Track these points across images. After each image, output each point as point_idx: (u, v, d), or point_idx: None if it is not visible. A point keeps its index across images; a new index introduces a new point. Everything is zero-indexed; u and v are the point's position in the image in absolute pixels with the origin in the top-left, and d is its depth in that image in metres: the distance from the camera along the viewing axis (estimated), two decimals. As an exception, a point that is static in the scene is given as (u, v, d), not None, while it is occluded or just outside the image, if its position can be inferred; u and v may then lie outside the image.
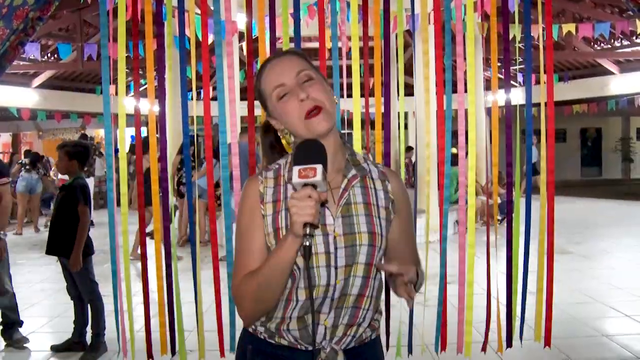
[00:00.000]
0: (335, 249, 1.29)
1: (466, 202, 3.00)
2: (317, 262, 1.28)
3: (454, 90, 3.06)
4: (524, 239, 3.08)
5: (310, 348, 1.32)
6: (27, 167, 9.74)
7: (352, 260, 1.30)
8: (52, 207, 3.93)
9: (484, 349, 3.19)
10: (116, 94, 3.07)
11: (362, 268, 1.31)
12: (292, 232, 1.19)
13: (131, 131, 14.43)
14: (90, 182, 8.89)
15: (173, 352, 3.10)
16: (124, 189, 3.08)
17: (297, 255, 1.23)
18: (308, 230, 1.16)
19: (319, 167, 1.17)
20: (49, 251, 3.75)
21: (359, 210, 1.33)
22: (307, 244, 1.17)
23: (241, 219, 1.37)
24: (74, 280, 3.74)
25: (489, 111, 3.44)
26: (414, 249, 1.47)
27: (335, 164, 1.36)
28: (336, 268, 1.29)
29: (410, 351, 3.16)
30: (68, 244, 3.62)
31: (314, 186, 1.17)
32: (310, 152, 1.23)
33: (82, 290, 3.72)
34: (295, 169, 1.19)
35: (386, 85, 3.01)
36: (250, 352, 1.39)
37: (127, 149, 11.44)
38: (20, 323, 4.01)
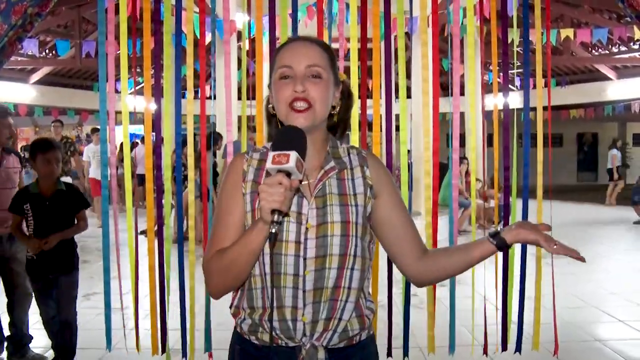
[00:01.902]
0: (306, 239, 1.28)
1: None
2: (287, 250, 1.28)
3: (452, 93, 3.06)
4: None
5: (290, 344, 1.30)
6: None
7: (324, 251, 1.28)
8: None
9: (485, 351, 3.19)
10: (116, 91, 3.07)
11: (337, 259, 1.29)
12: (261, 218, 1.18)
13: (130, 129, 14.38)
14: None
15: (164, 351, 3.11)
16: (127, 186, 3.07)
17: (266, 242, 1.22)
18: (276, 217, 1.14)
19: (292, 154, 1.15)
20: (43, 273, 3.24)
21: (333, 200, 1.31)
22: (273, 231, 1.14)
23: (222, 194, 1.38)
24: (59, 300, 3.31)
25: (488, 115, 3.43)
26: (410, 220, 1.43)
27: (317, 159, 1.36)
28: (305, 259, 1.28)
29: (405, 353, 3.16)
30: (66, 257, 3.28)
31: (288, 174, 1.15)
32: (288, 138, 1.21)
33: (67, 306, 3.30)
34: (270, 154, 1.17)
35: (387, 88, 3.01)
36: (237, 352, 1.39)
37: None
38: (30, 338, 3.68)
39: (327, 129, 1.43)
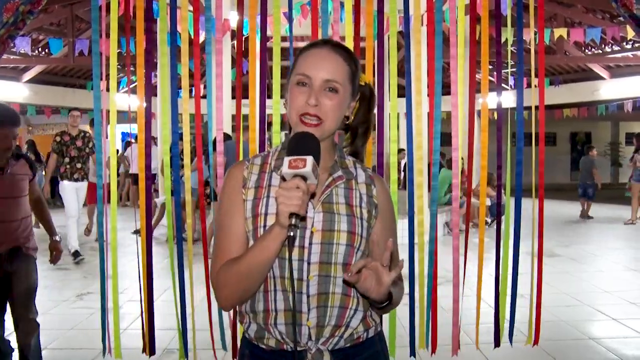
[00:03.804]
0: (310, 244, 1.28)
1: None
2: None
3: (446, 93, 3.06)
4: (514, 241, 3.08)
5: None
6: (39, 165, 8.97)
7: (328, 258, 1.29)
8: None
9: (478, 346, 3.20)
10: (107, 90, 3.05)
11: (341, 268, 1.30)
12: (278, 222, 1.18)
13: (122, 128, 14.35)
14: (84, 186, 7.37)
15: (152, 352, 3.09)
16: (113, 186, 3.05)
17: (282, 247, 1.22)
18: (294, 221, 1.15)
19: (309, 159, 1.16)
20: None
21: (340, 210, 1.32)
22: (292, 234, 1.15)
23: (221, 204, 1.37)
24: None
25: (479, 114, 3.44)
26: (395, 249, 1.40)
27: (324, 164, 1.35)
28: (309, 263, 1.28)
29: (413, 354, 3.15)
30: None
31: (303, 178, 1.16)
32: (302, 143, 1.22)
33: None
34: (286, 159, 1.18)
35: (379, 86, 3.00)
36: (247, 357, 1.39)
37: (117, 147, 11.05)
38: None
39: (348, 131, 1.49)
